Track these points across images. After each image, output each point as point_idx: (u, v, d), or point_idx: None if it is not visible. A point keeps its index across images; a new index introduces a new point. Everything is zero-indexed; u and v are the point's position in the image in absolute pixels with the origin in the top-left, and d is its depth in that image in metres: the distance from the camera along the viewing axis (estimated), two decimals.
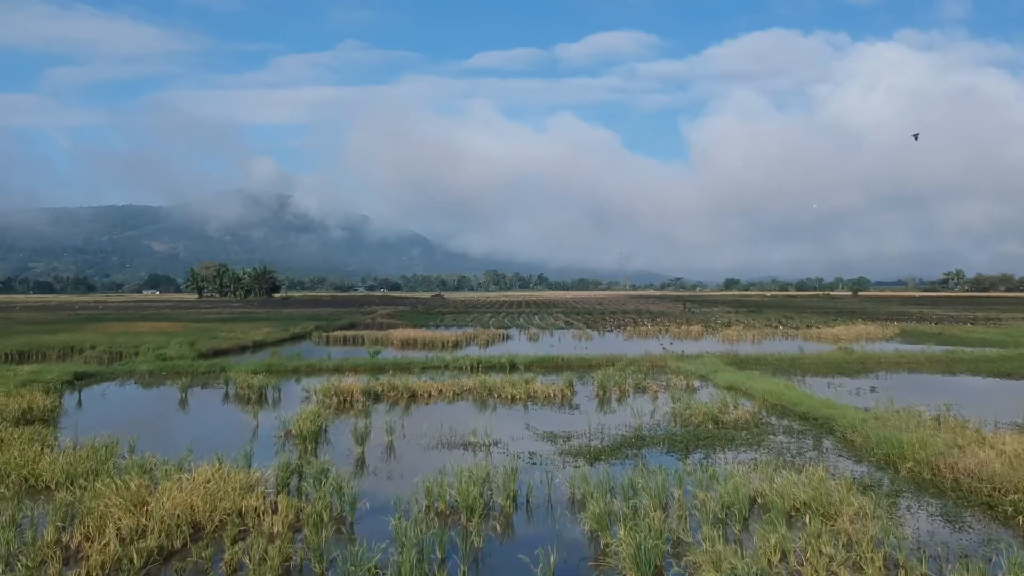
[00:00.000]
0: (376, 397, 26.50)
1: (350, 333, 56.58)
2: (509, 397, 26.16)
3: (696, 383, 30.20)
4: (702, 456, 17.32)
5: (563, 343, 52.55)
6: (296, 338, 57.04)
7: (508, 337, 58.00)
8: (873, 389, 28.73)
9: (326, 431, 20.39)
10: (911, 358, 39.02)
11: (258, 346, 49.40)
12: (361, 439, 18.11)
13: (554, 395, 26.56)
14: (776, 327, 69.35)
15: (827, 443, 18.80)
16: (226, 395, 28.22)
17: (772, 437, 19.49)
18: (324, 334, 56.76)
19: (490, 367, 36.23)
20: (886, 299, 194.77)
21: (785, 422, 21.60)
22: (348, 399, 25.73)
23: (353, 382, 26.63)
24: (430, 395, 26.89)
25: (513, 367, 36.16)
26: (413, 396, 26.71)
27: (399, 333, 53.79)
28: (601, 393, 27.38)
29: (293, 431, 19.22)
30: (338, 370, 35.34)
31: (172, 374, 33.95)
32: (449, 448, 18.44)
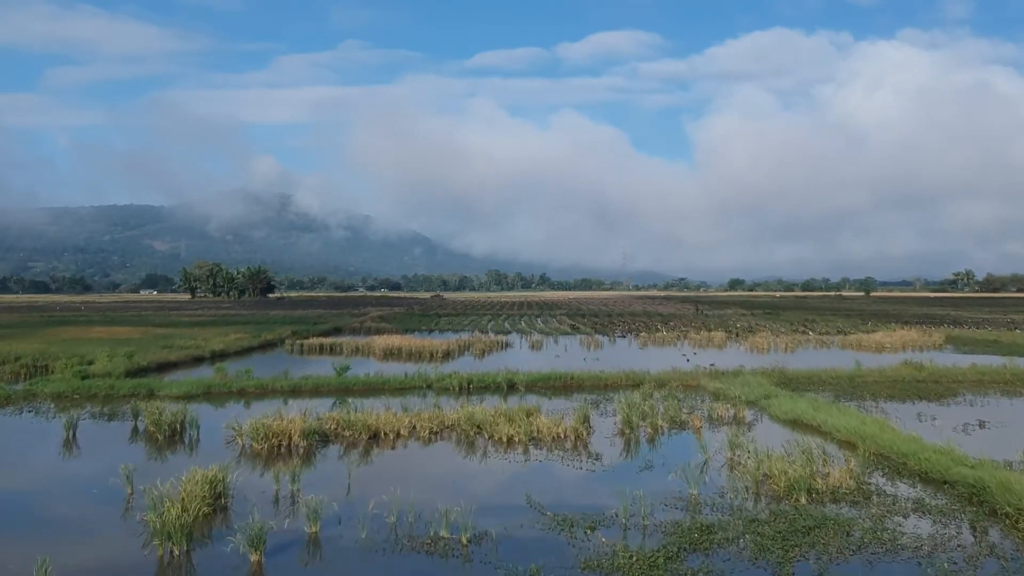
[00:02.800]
0: (324, 438, 19.74)
1: (327, 341, 49.79)
2: (504, 439, 19.40)
3: (747, 414, 23.42)
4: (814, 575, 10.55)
5: (570, 352, 45.80)
6: (267, 346, 50.27)
7: (508, 345, 51.24)
8: (983, 424, 21.90)
9: (224, 510, 13.62)
10: (994, 375, 32.19)
11: (218, 356, 42.62)
12: (259, 538, 11.26)
13: (564, 436, 19.80)
14: (805, 332, 62.56)
15: (997, 538, 12.01)
16: (134, 431, 21.49)
17: (902, 523, 12.71)
18: (299, 341, 49.98)
19: (483, 387, 29.51)
20: (901, 300, 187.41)
21: (905, 489, 14.81)
22: (285, 443, 18.97)
23: (296, 418, 19.84)
24: (398, 435, 20.12)
25: (512, 387, 29.45)
26: (375, 437, 19.94)
27: (383, 341, 47.02)
28: (627, 431, 20.59)
29: (168, 514, 12.43)
30: (295, 392, 28.69)
31: (85, 397, 27.27)
32: (405, 551, 11.68)
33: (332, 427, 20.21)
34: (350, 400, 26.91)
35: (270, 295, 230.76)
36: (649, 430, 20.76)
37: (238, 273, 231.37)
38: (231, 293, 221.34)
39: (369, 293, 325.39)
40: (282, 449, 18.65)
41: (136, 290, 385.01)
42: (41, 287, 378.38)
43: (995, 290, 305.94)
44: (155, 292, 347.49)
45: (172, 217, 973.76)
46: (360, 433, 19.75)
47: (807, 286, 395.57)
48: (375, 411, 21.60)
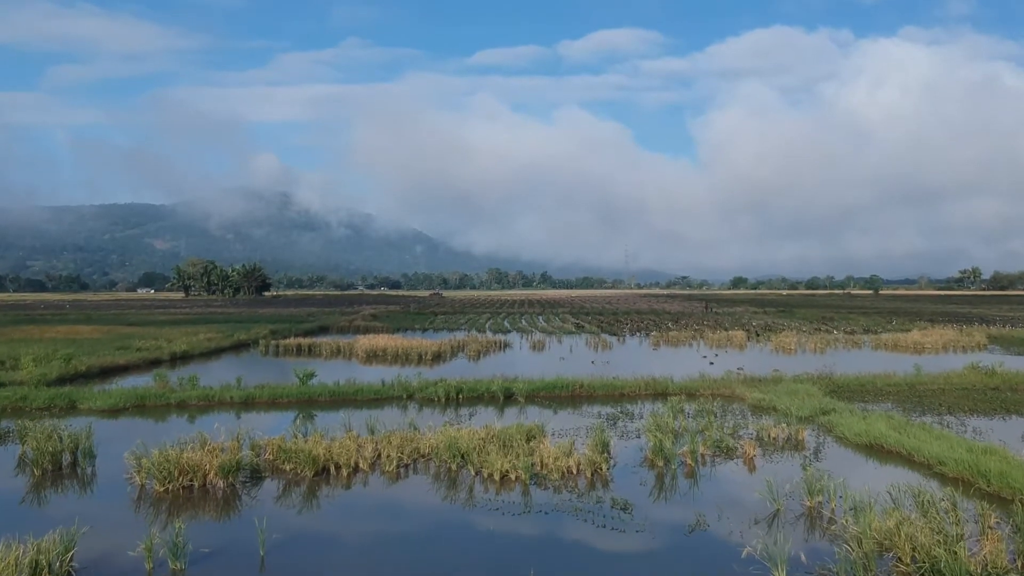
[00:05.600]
0: (255, 474, 14.85)
1: (306, 341, 44.86)
2: (497, 476, 14.51)
3: (807, 435, 18.49)
4: None
5: (576, 354, 40.91)
6: (240, 347, 45.38)
7: (507, 345, 46.33)
8: None
9: None
10: None
11: (179, 358, 37.80)
12: None
13: (576, 470, 14.90)
14: (831, 332, 57.66)
15: None
16: (20, 461, 16.63)
17: None
18: (275, 342, 45.08)
19: (475, 397, 24.69)
20: (913, 298, 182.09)
21: None
22: (199, 483, 14.07)
23: (216, 446, 14.97)
24: (356, 469, 15.23)
25: (509, 397, 24.60)
26: (323, 472, 15.04)
27: (367, 341, 42.11)
28: (659, 463, 15.65)
29: None
30: (248, 403, 23.83)
31: None
32: None
33: (271, 457, 15.34)
34: (314, 413, 22.23)
35: (265, 293, 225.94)
36: (688, 460, 15.85)
37: (233, 271, 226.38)
38: (226, 291, 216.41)
39: (367, 291, 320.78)
40: (194, 491, 13.77)
41: (133, 289, 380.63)
42: (37, 285, 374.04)
43: (1003, 288, 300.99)
44: (152, 291, 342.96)
45: (173, 215, 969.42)
46: (304, 467, 14.85)
47: (811, 284, 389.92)
48: (331, 434, 16.77)
